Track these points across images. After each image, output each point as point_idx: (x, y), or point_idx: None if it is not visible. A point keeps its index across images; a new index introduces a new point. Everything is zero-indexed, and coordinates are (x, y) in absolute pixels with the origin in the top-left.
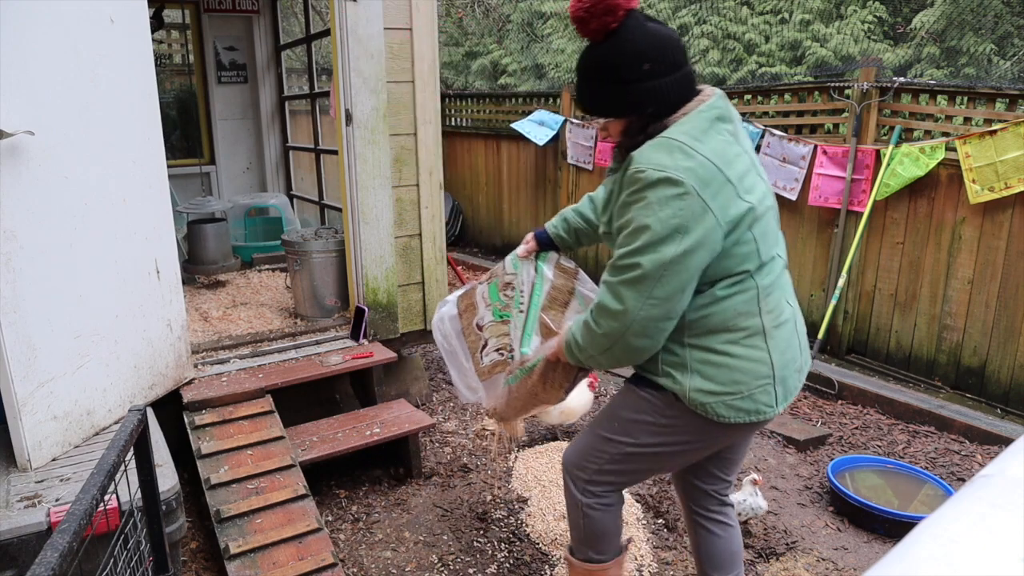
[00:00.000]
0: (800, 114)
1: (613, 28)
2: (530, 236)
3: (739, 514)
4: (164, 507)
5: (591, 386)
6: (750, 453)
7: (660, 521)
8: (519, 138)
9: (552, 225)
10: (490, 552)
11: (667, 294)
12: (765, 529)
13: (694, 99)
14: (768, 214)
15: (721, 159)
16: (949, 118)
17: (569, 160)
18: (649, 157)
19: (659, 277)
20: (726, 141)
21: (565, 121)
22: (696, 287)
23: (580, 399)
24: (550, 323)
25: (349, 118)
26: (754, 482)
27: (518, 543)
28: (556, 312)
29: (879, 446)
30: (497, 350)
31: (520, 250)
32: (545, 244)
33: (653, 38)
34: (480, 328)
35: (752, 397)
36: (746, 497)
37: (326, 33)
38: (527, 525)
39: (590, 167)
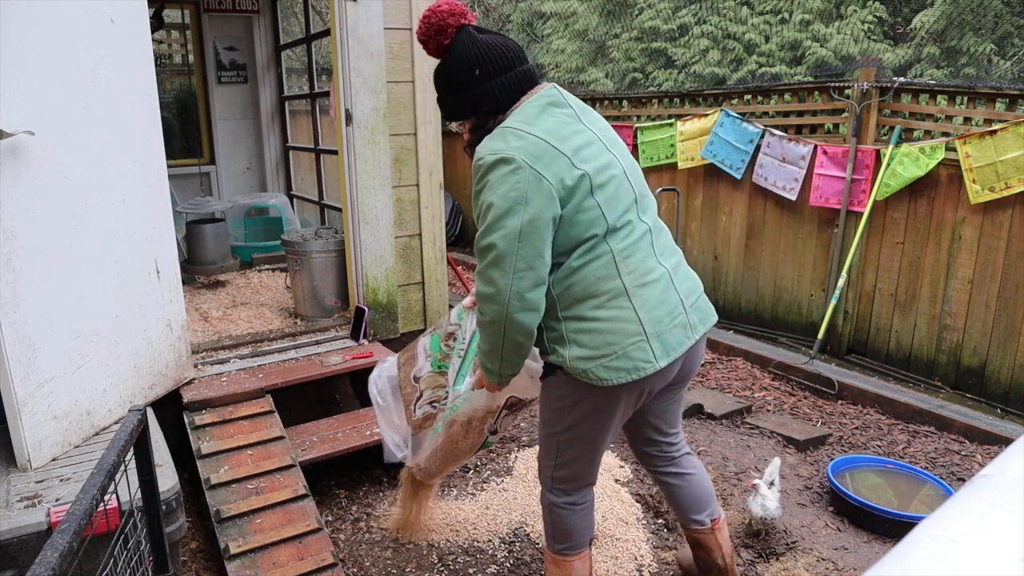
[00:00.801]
0: (800, 114)
1: (447, 44)
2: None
3: (744, 507)
4: (164, 507)
5: None
6: (750, 453)
7: (660, 521)
8: None
9: None
10: (490, 552)
11: (527, 263)
12: (765, 529)
13: (529, 93)
14: (614, 182)
15: (553, 136)
16: (949, 118)
17: None
18: (486, 146)
19: (515, 250)
20: (561, 122)
21: None
22: (554, 261)
23: None
24: None
25: (349, 118)
26: (753, 486)
27: (518, 543)
28: None
29: (879, 446)
30: (431, 402)
31: (467, 301)
32: None
33: (481, 47)
34: (417, 380)
35: (627, 355)
36: (748, 502)
37: (326, 33)
38: (527, 525)
39: None
